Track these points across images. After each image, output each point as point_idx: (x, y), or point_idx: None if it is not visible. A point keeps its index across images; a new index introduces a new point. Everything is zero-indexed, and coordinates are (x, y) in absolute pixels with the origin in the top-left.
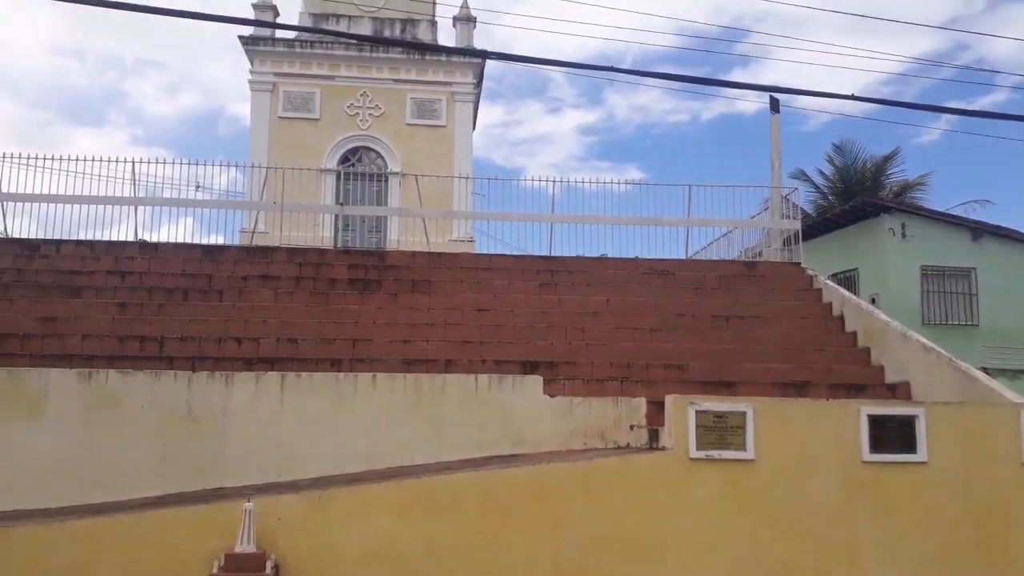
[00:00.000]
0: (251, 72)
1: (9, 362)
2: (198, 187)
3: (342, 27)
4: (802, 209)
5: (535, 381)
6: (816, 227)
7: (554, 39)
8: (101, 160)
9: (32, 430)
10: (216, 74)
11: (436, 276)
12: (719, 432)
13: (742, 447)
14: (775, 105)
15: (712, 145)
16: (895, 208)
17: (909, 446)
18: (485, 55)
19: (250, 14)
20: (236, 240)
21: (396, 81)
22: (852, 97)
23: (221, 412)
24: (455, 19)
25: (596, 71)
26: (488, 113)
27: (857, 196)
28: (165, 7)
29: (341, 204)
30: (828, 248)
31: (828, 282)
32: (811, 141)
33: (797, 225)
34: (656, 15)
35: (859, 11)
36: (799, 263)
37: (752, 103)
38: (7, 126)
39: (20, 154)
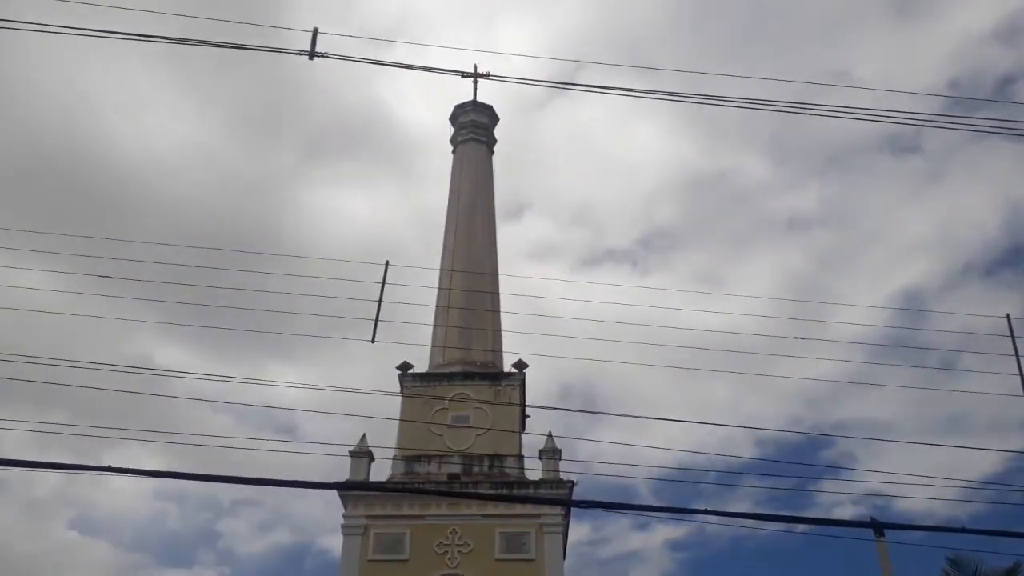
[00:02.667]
0: (344, 517)
1: None
2: None
3: (432, 467)
4: None
5: None
6: None
7: (637, 452)
8: None
9: None
10: (308, 509)
11: None
12: None
13: None
14: (879, 529)
15: (812, 557)
16: None
17: None
18: (571, 503)
19: (346, 459)
20: None
21: (484, 516)
22: (963, 530)
23: None
24: (541, 452)
25: (689, 514)
26: (574, 531)
27: None
28: (265, 478)
29: None
30: None
31: None
32: (918, 550)
33: None
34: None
35: (943, 417)
36: None
37: (848, 509)
38: (104, 570)
39: None
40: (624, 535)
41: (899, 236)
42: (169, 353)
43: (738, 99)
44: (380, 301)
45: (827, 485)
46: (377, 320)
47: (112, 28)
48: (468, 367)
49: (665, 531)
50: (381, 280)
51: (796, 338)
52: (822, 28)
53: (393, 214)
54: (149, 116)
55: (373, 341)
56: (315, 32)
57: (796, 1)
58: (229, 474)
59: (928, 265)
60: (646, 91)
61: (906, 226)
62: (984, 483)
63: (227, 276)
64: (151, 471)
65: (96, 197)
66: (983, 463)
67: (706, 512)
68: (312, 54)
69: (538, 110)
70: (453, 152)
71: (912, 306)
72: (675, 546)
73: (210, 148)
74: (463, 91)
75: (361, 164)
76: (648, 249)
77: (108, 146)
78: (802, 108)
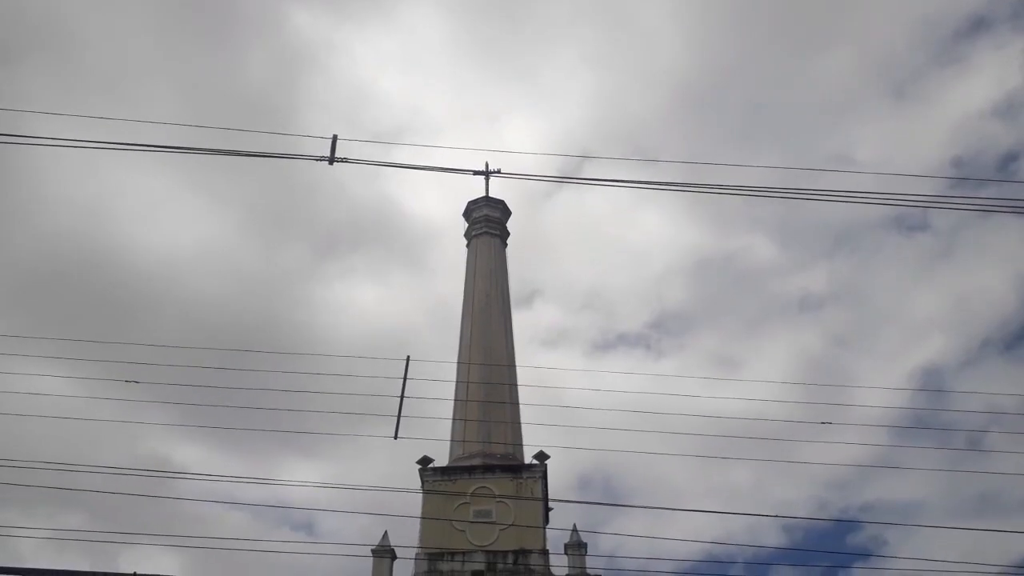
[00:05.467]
0: None
1: None
2: None
3: (456, 564)
4: None
5: None
6: None
7: (661, 535)
8: None
9: None
10: None
11: None
12: None
13: None
14: None
15: None
16: None
17: None
18: None
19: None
20: None
21: None
22: None
23: None
24: (566, 546)
25: None
26: None
27: None
28: None
29: None
30: None
31: None
32: None
33: None
34: (764, 514)
35: (973, 496)
36: None
37: None
38: None
39: None
40: None
41: (913, 314)
42: (187, 452)
43: (741, 187)
44: (402, 397)
45: (859, 572)
46: (400, 416)
47: (132, 135)
48: (489, 459)
49: None
50: (402, 375)
51: (823, 423)
52: (821, 114)
53: (406, 306)
54: (164, 218)
55: (396, 437)
56: (335, 139)
57: (794, 89)
58: None
59: (945, 342)
60: (652, 183)
61: (920, 303)
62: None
63: (244, 374)
64: None
65: (112, 300)
66: (1019, 544)
67: None
68: (332, 159)
69: (545, 200)
70: (467, 246)
71: (932, 383)
72: None
73: (223, 247)
74: (471, 185)
75: (373, 258)
76: (661, 332)
77: (123, 249)
78: (806, 193)
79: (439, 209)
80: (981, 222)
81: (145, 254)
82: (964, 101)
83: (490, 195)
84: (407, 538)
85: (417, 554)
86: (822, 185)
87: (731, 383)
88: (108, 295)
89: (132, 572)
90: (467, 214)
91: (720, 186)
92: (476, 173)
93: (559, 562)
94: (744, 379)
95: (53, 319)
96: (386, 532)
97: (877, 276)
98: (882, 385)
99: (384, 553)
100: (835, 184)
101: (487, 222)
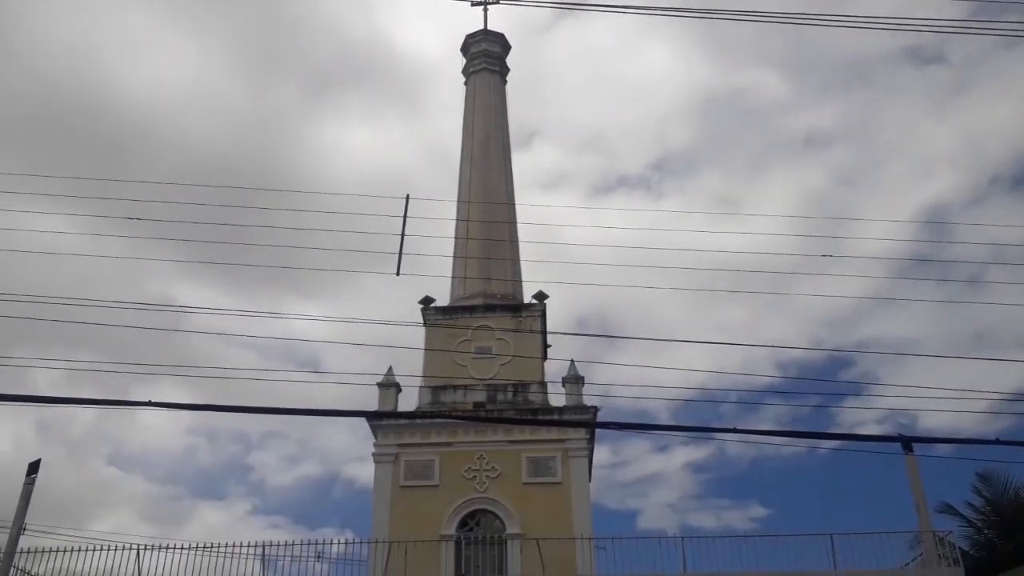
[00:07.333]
0: (375, 446)
1: None
2: (318, 557)
3: (458, 396)
4: (960, 549)
5: None
6: (978, 571)
7: (655, 374)
8: (232, 545)
9: None
10: (332, 441)
11: None
12: None
13: None
14: (907, 444)
15: (835, 476)
16: None
17: None
18: (596, 425)
19: (368, 393)
20: None
21: (510, 442)
22: (997, 442)
23: None
24: (564, 379)
25: (717, 433)
26: (595, 454)
27: (1017, 530)
28: (299, 408)
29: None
30: None
31: None
32: (946, 466)
33: (960, 574)
34: (759, 345)
35: (969, 333)
36: None
37: (871, 428)
38: (140, 503)
39: (158, 544)
40: (644, 458)
41: (923, 150)
42: (191, 292)
43: (751, 12)
44: (403, 234)
45: (850, 406)
46: (401, 253)
47: None
48: (489, 299)
49: (685, 453)
50: (402, 214)
51: (824, 256)
52: None
53: (402, 146)
54: (150, 58)
55: (398, 274)
56: None
57: None
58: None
59: (954, 179)
60: (658, 8)
61: (930, 140)
62: (1015, 395)
63: (243, 214)
64: (192, 404)
65: (103, 140)
66: (1010, 379)
67: (735, 431)
68: None
69: (544, 34)
70: (465, 83)
71: (937, 221)
72: (696, 468)
73: (211, 86)
74: (465, 17)
75: (367, 97)
76: (662, 173)
77: (112, 89)
78: (819, 19)
79: (435, 44)
80: (1002, 53)
81: (134, 94)
82: None
83: (489, 28)
84: (410, 374)
85: (421, 387)
86: (834, 10)
87: (732, 219)
88: (98, 136)
89: (147, 400)
90: (465, 49)
91: (728, 11)
92: (475, 4)
93: (557, 391)
94: (744, 213)
95: (46, 159)
96: (391, 367)
97: (887, 111)
98: (885, 220)
99: (389, 385)
100: (848, 9)
101: (486, 57)
